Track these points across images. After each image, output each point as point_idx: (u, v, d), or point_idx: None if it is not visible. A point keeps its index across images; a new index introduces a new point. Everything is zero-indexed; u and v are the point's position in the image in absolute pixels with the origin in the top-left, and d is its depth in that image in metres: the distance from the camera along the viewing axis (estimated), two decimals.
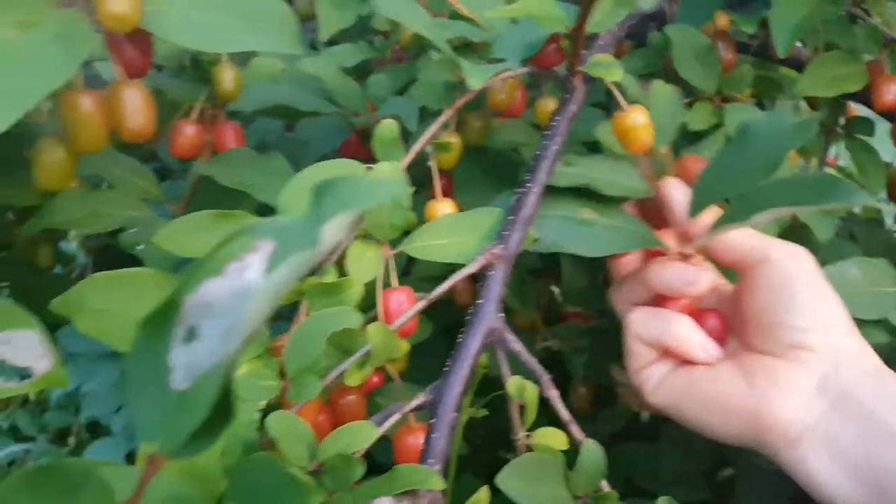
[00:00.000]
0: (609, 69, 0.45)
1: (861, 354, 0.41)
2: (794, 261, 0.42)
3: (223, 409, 0.23)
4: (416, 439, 0.42)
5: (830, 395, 0.39)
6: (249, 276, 0.23)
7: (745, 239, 0.43)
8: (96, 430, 1.28)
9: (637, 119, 0.47)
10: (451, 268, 0.61)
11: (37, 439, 1.34)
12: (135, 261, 0.88)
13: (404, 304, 0.44)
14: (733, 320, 0.45)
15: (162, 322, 0.23)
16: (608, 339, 0.58)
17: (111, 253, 0.90)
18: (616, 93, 0.48)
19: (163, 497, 0.29)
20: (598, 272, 0.56)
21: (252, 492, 0.34)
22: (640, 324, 0.44)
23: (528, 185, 0.44)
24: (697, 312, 0.45)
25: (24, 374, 0.36)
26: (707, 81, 0.56)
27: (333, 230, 0.21)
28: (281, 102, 0.56)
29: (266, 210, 0.53)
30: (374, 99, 0.61)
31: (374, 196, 0.21)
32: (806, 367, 0.40)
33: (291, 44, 0.39)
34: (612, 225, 0.50)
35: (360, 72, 0.66)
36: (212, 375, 0.23)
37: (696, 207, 0.48)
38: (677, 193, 0.46)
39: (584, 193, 0.49)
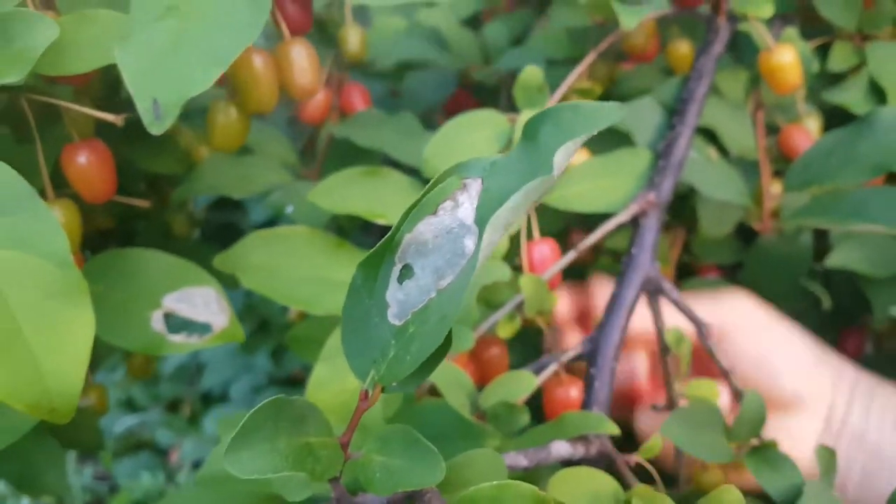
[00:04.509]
0: (758, 6, 0.43)
1: (855, 385, 0.42)
2: (754, 323, 0.43)
3: (442, 346, 0.23)
4: (567, 392, 0.42)
5: (833, 432, 0.42)
6: (460, 214, 0.23)
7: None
8: (209, 399, 1.32)
9: (784, 58, 0.45)
10: (568, 222, 0.60)
11: (151, 410, 1.39)
12: (236, 230, 0.90)
13: (548, 257, 0.44)
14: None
15: (381, 260, 0.23)
16: None
17: (211, 224, 0.93)
18: (761, 31, 0.46)
19: None
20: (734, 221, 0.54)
21: (425, 437, 0.35)
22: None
23: (677, 128, 0.42)
24: None
25: (203, 329, 0.37)
26: (847, 19, 0.53)
27: (563, 157, 0.20)
28: (406, 57, 0.55)
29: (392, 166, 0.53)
30: (490, 49, 0.60)
31: (597, 122, 0.21)
32: (808, 413, 0.42)
33: None
34: (728, 170, 0.48)
35: (469, 23, 0.65)
36: (434, 312, 0.23)
37: (791, 186, 0.46)
38: (601, 294, 0.45)
39: (707, 133, 0.48)
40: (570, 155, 0.20)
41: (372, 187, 0.42)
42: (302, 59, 0.39)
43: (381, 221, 0.42)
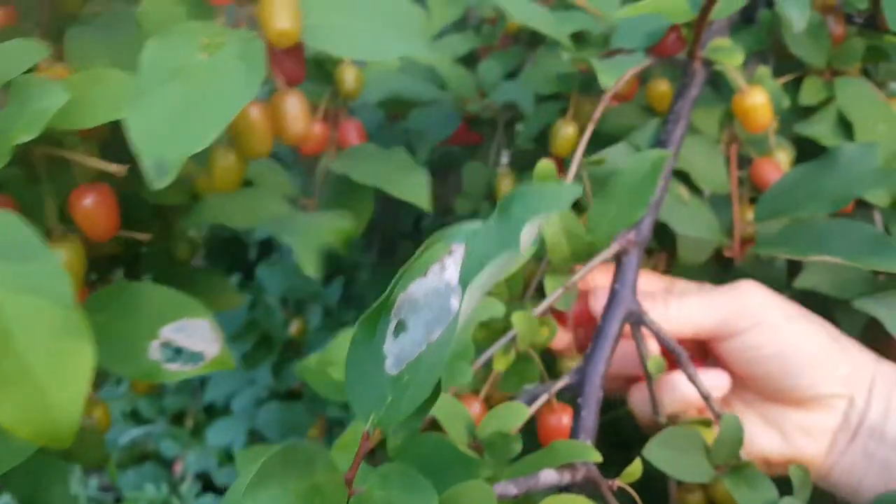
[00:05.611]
0: (730, 53, 0.46)
1: (875, 376, 0.42)
2: (772, 318, 0.43)
3: (433, 392, 0.26)
4: (559, 419, 0.45)
5: (851, 427, 0.42)
6: (447, 276, 0.26)
7: (707, 314, 0.44)
8: (212, 411, 1.35)
9: (756, 99, 0.49)
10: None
11: (156, 422, 1.42)
12: (241, 244, 0.94)
13: None
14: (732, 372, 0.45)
15: (378, 317, 0.26)
16: None
17: (217, 239, 0.98)
18: (734, 74, 0.49)
19: None
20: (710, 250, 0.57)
21: (424, 468, 0.37)
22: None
23: None
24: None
25: (196, 358, 0.40)
26: (818, 56, 0.56)
27: (529, 233, 0.23)
28: (400, 93, 0.58)
29: None
30: (485, 85, 0.63)
31: (559, 202, 0.24)
32: (829, 410, 0.43)
33: (425, 46, 0.42)
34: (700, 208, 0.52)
35: (466, 60, 0.68)
36: (424, 363, 0.26)
37: (760, 216, 0.49)
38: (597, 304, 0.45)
39: (678, 173, 0.51)
40: (535, 230, 0.23)
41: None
42: (295, 108, 0.42)
43: None
